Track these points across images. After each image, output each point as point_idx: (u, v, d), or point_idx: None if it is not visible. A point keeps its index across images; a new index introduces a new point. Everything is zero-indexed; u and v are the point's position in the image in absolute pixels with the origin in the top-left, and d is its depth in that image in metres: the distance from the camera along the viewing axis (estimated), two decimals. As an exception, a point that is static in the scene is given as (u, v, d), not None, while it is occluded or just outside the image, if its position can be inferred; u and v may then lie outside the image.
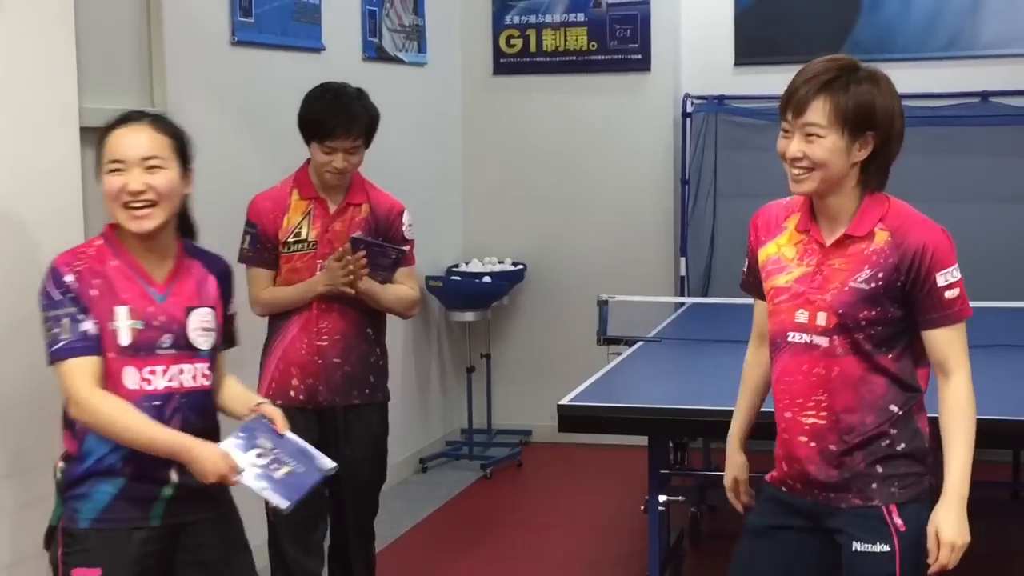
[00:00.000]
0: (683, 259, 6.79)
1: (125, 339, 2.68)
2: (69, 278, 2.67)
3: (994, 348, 4.82)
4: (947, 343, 2.66)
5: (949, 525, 2.59)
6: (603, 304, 5.33)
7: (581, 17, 6.93)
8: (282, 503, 2.73)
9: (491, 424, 7.00)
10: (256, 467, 2.75)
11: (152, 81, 3.73)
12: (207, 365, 2.81)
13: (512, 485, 6.43)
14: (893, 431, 2.68)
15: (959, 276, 2.68)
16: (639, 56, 6.86)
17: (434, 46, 6.72)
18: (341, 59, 5.55)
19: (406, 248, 3.92)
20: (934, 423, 2.72)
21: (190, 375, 2.76)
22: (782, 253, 2.77)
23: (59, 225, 3.20)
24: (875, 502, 2.67)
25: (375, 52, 6.05)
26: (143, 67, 3.68)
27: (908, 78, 6.50)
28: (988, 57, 6.53)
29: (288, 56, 5.07)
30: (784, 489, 2.80)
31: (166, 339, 2.72)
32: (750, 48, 6.78)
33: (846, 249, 2.67)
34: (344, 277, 3.75)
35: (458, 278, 6.73)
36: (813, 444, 2.70)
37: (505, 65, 7.09)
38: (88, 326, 2.65)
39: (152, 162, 2.70)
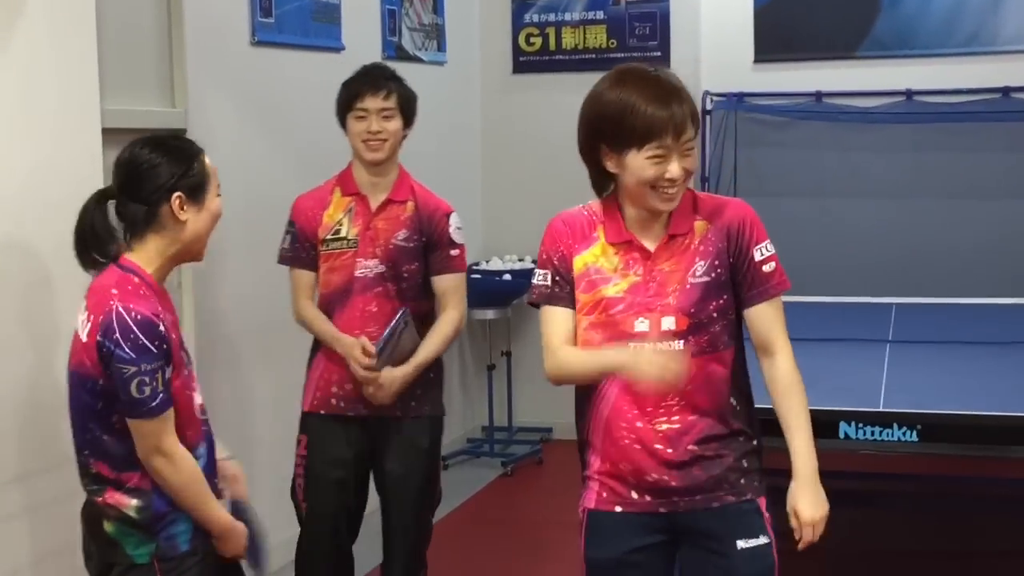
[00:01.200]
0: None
1: (188, 363, 2.73)
2: (161, 328, 2.59)
3: (1016, 344, 4.82)
4: (770, 319, 2.63)
5: (807, 504, 2.58)
6: (622, 301, 5.32)
7: (600, 15, 6.92)
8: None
9: (512, 422, 7.00)
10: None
11: (173, 82, 3.74)
12: None
13: (533, 482, 6.43)
14: (747, 427, 2.66)
15: (774, 249, 2.64)
16: (658, 53, 6.84)
17: (453, 45, 6.72)
18: (361, 59, 5.52)
19: (408, 316, 3.66)
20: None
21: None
22: (600, 264, 2.66)
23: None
24: (748, 496, 2.63)
25: (395, 51, 6.06)
26: (164, 68, 3.70)
27: (928, 74, 6.57)
28: (1009, 53, 6.49)
29: (308, 56, 5.08)
30: (619, 509, 2.68)
31: (187, 357, 2.78)
32: (769, 45, 6.76)
33: (672, 250, 2.61)
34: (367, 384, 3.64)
35: (478, 276, 6.73)
36: (670, 450, 2.59)
37: (524, 63, 7.09)
38: (169, 374, 2.62)
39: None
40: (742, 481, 2.63)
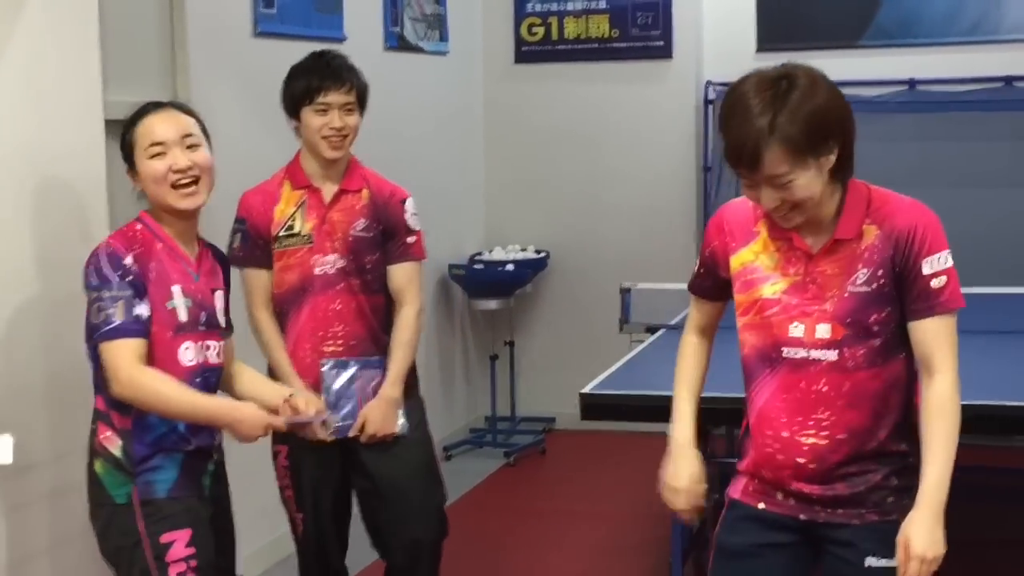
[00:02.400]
0: (705, 246, 6.77)
1: (184, 316, 2.80)
2: (128, 260, 2.73)
3: (1017, 334, 4.82)
4: (932, 336, 2.43)
5: (920, 537, 2.39)
6: (625, 292, 5.33)
7: (603, 4, 6.91)
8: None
9: (515, 412, 7.01)
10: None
11: (175, 73, 3.74)
12: (222, 344, 2.95)
13: (536, 472, 6.44)
14: (903, 445, 2.50)
15: (950, 263, 2.45)
16: (661, 43, 6.84)
17: (455, 35, 6.71)
18: (363, 49, 5.54)
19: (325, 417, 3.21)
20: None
21: (215, 351, 2.90)
22: (759, 262, 2.54)
23: (84, 216, 3.22)
24: (893, 516, 2.47)
25: (397, 42, 6.05)
26: (166, 59, 3.70)
27: (931, 63, 6.56)
28: (1012, 42, 6.48)
29: (310, 47, 4.99)
30: (762, 506, 2.60)
31: (203, 316, 2.86)
32: (772, 33, 6.76)
33: (836, 253, 2.46)
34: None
35: (481, 266, 6.73)
36: (813, 465, 2.50)
37: (527, 53, 7.08)
38: (142, 310, 2.73)
39: (190, 140, 2.82)
40: (889, 500, 2.51)
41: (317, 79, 3.46)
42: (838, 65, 6.76)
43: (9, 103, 2.98)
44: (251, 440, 2.83)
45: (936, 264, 2.44)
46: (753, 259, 2.55)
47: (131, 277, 2.71)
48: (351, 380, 3.51)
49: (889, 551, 2.44)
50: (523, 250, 6.97)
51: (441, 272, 6.54)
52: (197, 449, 2.84)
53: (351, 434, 3.49)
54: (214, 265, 2.98)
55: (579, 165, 7.06)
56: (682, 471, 2.70)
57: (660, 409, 3.92)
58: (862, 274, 2.44)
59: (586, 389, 4.00)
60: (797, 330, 2.48)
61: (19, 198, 3.02)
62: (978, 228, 6.49)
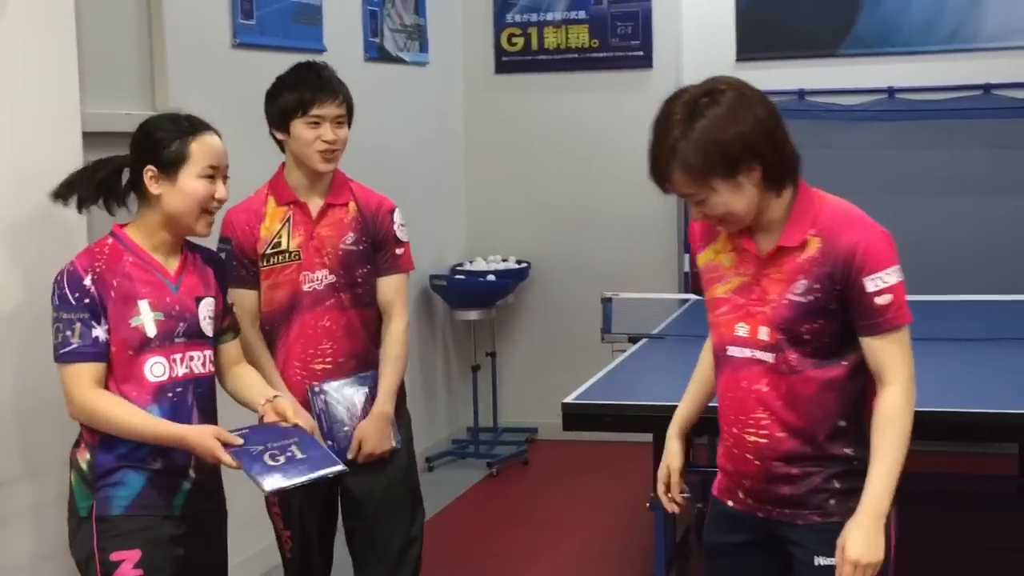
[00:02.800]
0: (686, 256, 6.78)
1: (152, 330, 2.78)
2: (87, 281, 2.73)
3: (996, 341, 4.83)
4: (880, 351, 2.47)
5: (856, 542, 2.44)
6: (607, 301, 5.33)
7: (582, 15, 6.92)
8: (265, 484, 2.70)
9: (497, 422, 7.00)
10: (251, 452, 2.76)
11: (154, 85, 3.73)
12: (212, 352, 2.93)
13: (518, 483, 6.43)
14: (847, 449, 2.54)
15: (895, 280, 2.47)
16: (641, 53, 6.85)
17: (436, 46, 6.72)
18: (343, 60, 5.52)
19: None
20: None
21: (199, 362, 2.87)
22: (719, 260, 2.62)
23: (62, 229, 3.20)
24: (835, 519, 2.53)
25: (377, 52, 6.05)
26: (145, 71, 3.68)
27: (910, 72, 6.59)
28: (990, 50, 6.52)
29: (290, 58, 4.98)
30: (731, 503, 2.69)
31: (181, 327, 2.83)
32: (752, 43, 6.78)
33: (781, 260, 2.50)
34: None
35: (462, 277, 6.72)
36: (758, 463, 2.58)
37: (507, 64, 7.09)
38: (99, 332, 2.72)
39: (227, 172, 2.91)
40: (831, 502, 2.55)
41: (310, 91, 3.38)
42: (817, 74, 6.91)
43: (-14, 116, 2.97)
44: (209, 461, 2.79)
45: (880, 282, 2.46)
46: (714, 258, 2.64)
47: (88, 300, 2.72)
48: (341, 401, 3.46)
49: (833, 551, 2.49)
50: (504, 260, 6.97)
51: (423, 283, 6.54)
52: (166, 467, 2.80)
53: (349, 456, 3.41)
54: (203, 271, 2.95)
55: (560, 175, 7.06)
56: (662, 460, 2.87)
57: (642, 419, 3.95)
58: (801, 284, 2.49)
59: (568, 399, 4.00)
60: (742, 330, 2.56)
61: (-3, 211, 3.01)
62: (957, 235, 6.53)
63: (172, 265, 2.87)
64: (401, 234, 3.55)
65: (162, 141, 2.81)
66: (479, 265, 6.89)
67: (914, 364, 2.52)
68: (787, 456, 2.55)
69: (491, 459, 6.60)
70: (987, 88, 6.47)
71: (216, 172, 2.83)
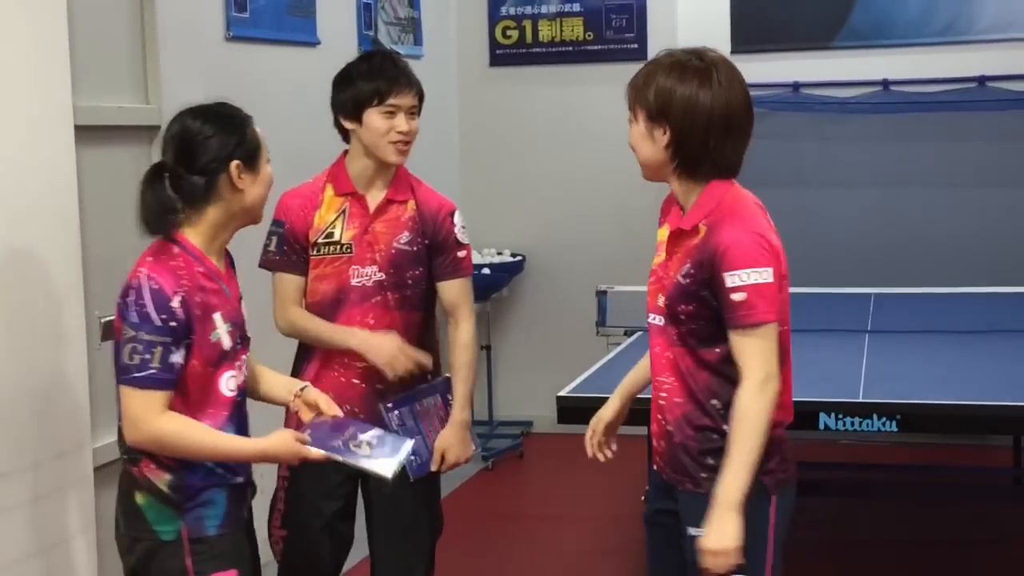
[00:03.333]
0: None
1: (227, 343, 2.66)
2: (175, 303, 2.55)
3: (994, 333, 4.83)
4: (736, 345, 2.58)
5: (708, 532, 2.55)
6: (602, 294, 5.33)
7: (577, 7, 6.91)
8: (384, 471, 2.74)
9: (492, 415, 7.00)
10: (335, 447, 2.73)
11: (147, 78, 3.72)
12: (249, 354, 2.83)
13: (514, 476, 6.43)
14: (724, 426, 2.63)
15: (754, 280, 2.55)
16: (635, 45, 6.84)
17: (430, 39, 6.70)
18: (337, 53, 5.51)
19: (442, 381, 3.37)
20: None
21: (245, 366, 2.77)
22: (661, 236, 2.83)
23: (54, 223, 3.20)
24: (703, 490, 2.64)
25: (371, 45, 6.03)
26: (137, 64, 3.67)
27: (905, 64, 6.58)
28: (985, 42, 6.50)
29: (283, 51, 5.06)
30: (655, 467, 2.87)
31: (238, 334, 2.73)
32: (746, 35, 6.75)
33: (681, 242, 2.68)
34: (399, 368, 3.30)
35: (457, 270, 6.71)
36: (661, 422, 2.76)
37: (501, 56, 7.07)
38: (177, 358, 2.57)
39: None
40: (702, 475, 2.67)
41: (386, 81, 3.29)
42: (812, 66, 6.91)
43: (-23, 109, 2.96)
44: (293, 465, 2.77)
45: (736, 279, 2.55)
46: (661, 235, 2.85)
47: (175, 323, 2.55)
48: (414, 416, 3.39)
49: (701, 523, 2.60)
50: (499, 254, 6.96)
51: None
52: (244, 481, 2.73)
53: (433, 468, 3.38)
54: (232, 271, 2.83)
55: (555, 168, 7.05)
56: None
57: (636, 412, 3.93)
58: (685, 267, 2.65)
59: (563, 392, 4.00)
60: (657, 300, 2.73)
61: (-12, 205, 3.00)
62: (952, 228, 6.53)
63: (221, 266, 2.73)
64: (462, 236, 3.43)
65: (239, 135, 2.66)
66: (474, 258, 6.84)
67: (775, 362, 2.58)
68: (676, 421, 2.71)
69: (486, 452, 6.59)
70: (982, 80, 6.46)
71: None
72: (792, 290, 5.48)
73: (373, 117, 3.28)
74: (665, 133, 2.64)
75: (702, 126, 2.62)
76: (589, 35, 6.91)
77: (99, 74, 3.48)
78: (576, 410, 3.96)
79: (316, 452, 2.69)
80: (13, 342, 3.05)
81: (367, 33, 5.99)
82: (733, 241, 2.58)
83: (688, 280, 2.63)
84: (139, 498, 2.63)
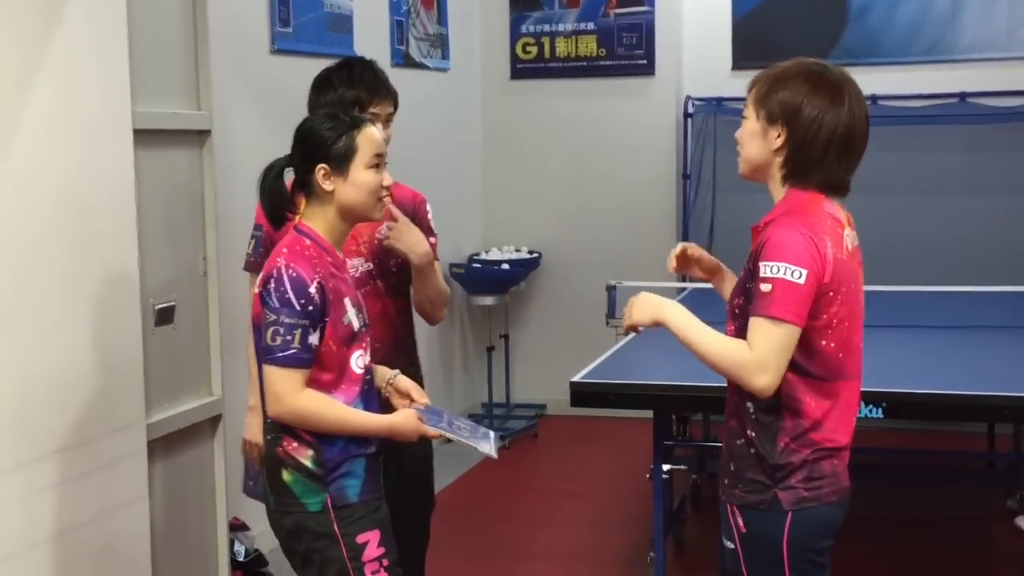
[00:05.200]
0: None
1: (356, 323, 2.66)
2: (312, 289, 2.55)
3: (973, 329, 4.82)
4: (749, 328, 2.36)
5: (638, 299, 2.53)
6: (611, 289, 5.32)
7: (591, 26, 6.90)
8: (489, 449, 2.74)
9: (509, 399, 7.00)
10: (447, 427, 2.72)
11: (199, 86, 3.71)
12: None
13: (529, 455, 6.43)
14: (751, 433, 2.44)
15: (782, 276, 2.33)
16: (644, 61, 6.83)
17: (456, 53, 6.70)
18: (371, 65, 5.54)
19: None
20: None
21: (369, 348, 2.74)
22: None
23: (114, 218, 3.19)
24: (723, 498, 2.51)
25: (402, 59, 6.04)
26: (190, 74, 3.67)
27: (892, 80, 6.55)
28: (966, 61, 6.48)
29: (323, 63, 4.95)
30: None
31: (363, 316, 2.72)
32: (747, 53, 6.74)
33: (753, 238, 2.50)
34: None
35: (479, 265, 6.72)
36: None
37: (521, 70, 7.07)
38: (314, 339, 2.56)
39: (386, 160, 2.76)
40: (725, 481, 2.50)
41: (367, 90, 3.19)
42: (807, 82, 6.83)
43: (46, 115, 2.96)
44: (412, 441, 2.71)
45: (768, 270, 2.34)
46: None
47: (311, 307, 2.54)
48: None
49: (725, 533, 2.49)
50: (518, 251, 6.96)
51: (443, 271, 6.52)
52: (377, 451, 2.70)
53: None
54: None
55: (569, 173, 7.05)
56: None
57: (643, 397, 3.95)
58: (746, 263, 2.47)
59: (575, 378, 4.00)
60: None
61: (55, 206, 3.00)
62: (933, 232, 6.51)
63: (341, 255, 2.74)
64: (433, 224, 3.34)
65: (329, 139, 2.64)
66: (494, 255, 6.88)
67: (780, 359, 2.34)
68: (726, 422, 2.56)
69: (504, 432, 6.59)
70: (963, 96, 6.43)
71: (380, 160, 2.70)
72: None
73: None
74: (779, 136, 2.43)
75: (824, 140, 2.42)
76: (602, 51, 6.90)
77: (155, 82, 3.48)
78: (587, 394, 3.96)
79: (433, 430, 2.68)
80: (75, 327, 3.06)
81: (399, 47, 5.99)
82: (779, 235, 2.37)
83: (743, 273, 2.48)
84: (286, 475, 2.63)
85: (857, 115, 2.46)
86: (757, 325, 2.35)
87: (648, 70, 6.82)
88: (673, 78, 6.83)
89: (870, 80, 6.50)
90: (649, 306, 2.51)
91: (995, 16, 6.44)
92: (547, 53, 7.00)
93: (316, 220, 2.67)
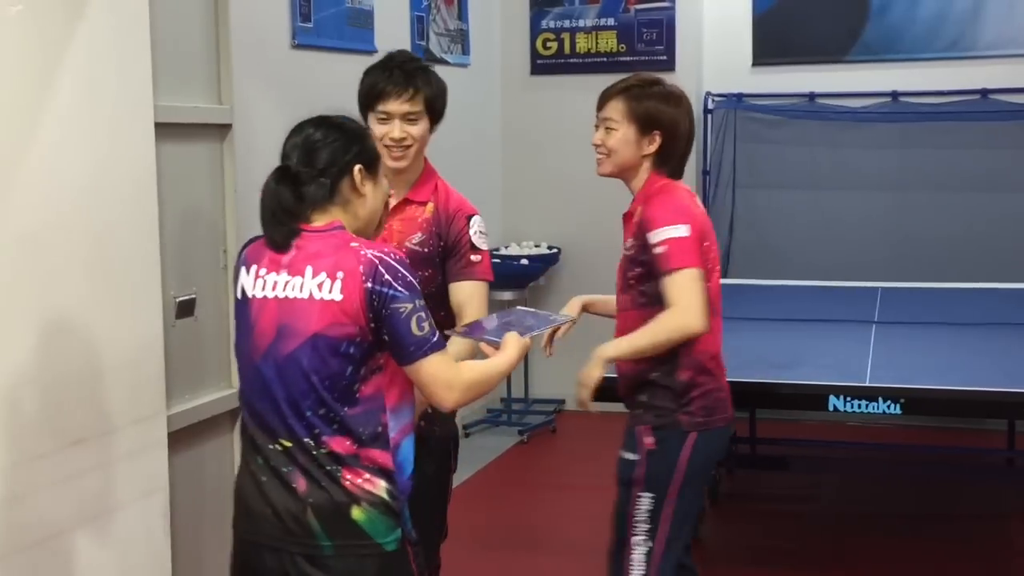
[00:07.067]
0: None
1: None
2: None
3: (992, 326, 4.80)
4: (663, 289, 2.97)
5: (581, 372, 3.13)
6: (630, 284, 5.31)
7: (611, 21, 6.89)
8: (562, 319, 2.89)
9: (528, 394, 7.00)
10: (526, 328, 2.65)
11: (220, 81, 3.72)
12: None
13: (546, 449, 6.43)
14: (655, 373, 3.06)
15: (673, 235, 2.96)
16: (664, 57, 6.81)
17: (476, 48, 6.70)
18: (392, 60, 5.54)
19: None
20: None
21: None
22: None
23: (136, 210, 3.21)
24: (631, 423, 3.14)
25: (423, 54, 6.03)
26: (212, 68, 3.68)
27: (913, 77, 6.53)
28: (988, 57, 6.44)
29: (344, 58, 5.06)
30: None
31: None
32: (766, 49, 6.72)
33: (626, 222, 3.19)
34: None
35: (498, 260, 6.71)
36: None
37: (541, 66, 7.06)
38: None
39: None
40: (635, 411, 3.15)
41: (380, 84, 3.03)
42: (827, 78, 6.86)
43: (71, 108, 2.97)
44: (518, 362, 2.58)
45: (657, 236, 2.98)
46: None
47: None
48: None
49: (627, 447, 3.15)
50: (537, 246, 6.96)
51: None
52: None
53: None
54: None
55: (588, 168, 6.92)
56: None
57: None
58: (629, 241, 3.13)
59: (593, 373, 3.99)
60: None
61: (79, 198, 3.01)
62: (954, 229, 6.48)
63: None
64: (478, 241, 3.09)
65: (367, 137, 2.48)
66: (514, 250, 6.88)
67: (696, 301, 2.94)
68: (625, 367, 3.20)
69: (522, 427, 6.60)
70: (984, 93, 6.40)
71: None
72: (805, 283, 5.46)
73: (372, 122, 3.02)
74: (652, 143, 3.10)
75: (684, 138, 3.14)
76: (622, 47, 6.88)
77: (177, 77, 3.50)
78: (606, 389, 3.94)
79: (528, 340, 2.57)
80: (97, 319, 3.08)
81: (419, 43, 5.99)
82: (654, 211, 3.01)
83: (632, 251, 3.06)
84: (357, 513, 2.31)
85: (692, 117, 3.22)
86: (667, 284, 2.93)
87: (668, 66, 6.79)
88: (693, 74, 6.81)
89: (891, 76, 6.61)
90: (588, 368, 3.09)
91: (1017, 12, 6.40)
92: (567, 49, 7.00)
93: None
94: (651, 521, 3.06)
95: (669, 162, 3.13)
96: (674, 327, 2.94)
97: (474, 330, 2.70)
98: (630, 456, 3.12)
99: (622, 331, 3.11)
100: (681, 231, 2.95)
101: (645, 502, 3.07)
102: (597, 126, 3.25)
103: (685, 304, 2.91)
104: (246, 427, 2.47)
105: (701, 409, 3.07)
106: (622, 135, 3.13)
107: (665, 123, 3.09)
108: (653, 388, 3.09)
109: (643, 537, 3.07)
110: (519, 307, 2.91)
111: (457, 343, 2.80)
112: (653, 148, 3.10)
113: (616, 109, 3.16)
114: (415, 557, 2.39)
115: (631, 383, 3.15)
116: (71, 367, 2.97)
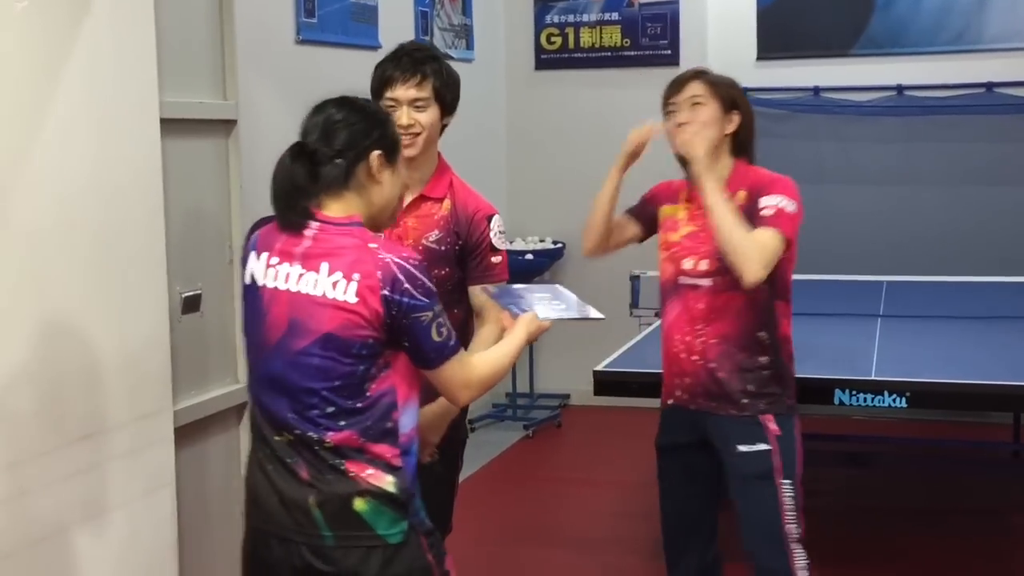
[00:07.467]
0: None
1: None
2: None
3: (997, 319, 4.79)
4: (756, 234, 3.05)
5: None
6: (635, 279, 5.33)
7: (615, 16, 6.88)
8: (597, 314, 2.71)
9: (533, 388, 7.00)
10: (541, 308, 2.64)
11: (225, 76, 3.72)
12: None
13: (552, 444, 6.44)
14: (762, 358, 3.07)
15: (782, 205, 3.06)
16: (668, 52, 6.81)
17: (481, 44, 6.70)
18: (396, 56, 5.54)
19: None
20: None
21: None
22: (676, 215, 3.35)
23: (141, 206, 3.21)
24: (747, 413, 3.08)
25: (427, 49, 6.04)
26: (216, 64, 3.68)
27: (918, 70, 6.52)
28: (993, 51, 6.43)
29: (348, 53, 5.06)
30: (673, 403, 3.22)
31: None
32: (771, 43, 6.71)
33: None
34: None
35: (503, 255, 6.71)
36: (696, 362, 3.11)
37: (546, 61, 7.06)
38: None
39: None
40: (744, 400, 3.08)
41: (388, 71, 2.99)
42: (832, 72, 6.85)
43: (75, 104, 2.98)
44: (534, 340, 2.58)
45: (767, 202, 3.07)
46: (673, 213, 3.37)
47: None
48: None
49: (751, 440, 3.07)
50: (542, 241, 6.96)
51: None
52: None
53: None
54: None
55: (593, 163, 6.98)
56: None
57: (658, 385, 3.93)
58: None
59: (599, 367, 4.01)
60: (694, 263, 3.18)
61: (83, 194, 3.01)
62: (959, 223, 6.47)
63: None
64: (498, 241, 3.06)
65: (389, 123, 2.42)
66: (518, 245, 6.88)
67: (772, 255, 3.03)
68: (718, 358, 3.08)
69: (527, 422, 6.60)
70: (989, 86, 6.39)
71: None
72: (810, 277, 5.49)
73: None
74: (731, 123, 3.21)
75: (752, 125, 3.25)
76: (626, 42, 6.88)
77: (182, 72, 3.50)
78: (610, 384, 3.97)
79: (547, 322, 2.58)
80: (103, 315, 3.08)
81: (423, 38, 5.99)
82: (778, 189, 3.09)
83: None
84: (359, 504, 2.30)
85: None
86: (758, 232, 2.99)
87: (673, 60, 6.80)
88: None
89: (896, 70, 6.59)
90: (698, 139, 3.14)
91: (1022, 6, 6.39)
92: (571, 43, 6.99)
93: (347, 213, 2.36)
94: (797, 508, 3.09)
95: (747, 148, 3.24)
96: (748, 248, 2.96)
97: (503, 295, 2.71)
98: (762, 447, 3.08)
99: (698, 320, 3.13)
100: (793, 207, 3.05)
101: (788, 489, 3.08)
102: (668, 113, 3.33)
103: (760, 252, 2.95)
104: (255, 417, 2.46)
105: (795, 393, 3.17)
106: (712, 110, 3.21)
107: (741, 105, 3.23)
108: (758, 375, 3.10)
109: (795, 524, 3.09)
110: (559, 286, 2.78)
111: (486, 331, 2.70)
112: (732, 128, 3.20)
113: (699, 87, 3.26)
114: (430, 547, 2.37)
115: (735, 379, 3.10)
116: (76, 363, 2.97)
